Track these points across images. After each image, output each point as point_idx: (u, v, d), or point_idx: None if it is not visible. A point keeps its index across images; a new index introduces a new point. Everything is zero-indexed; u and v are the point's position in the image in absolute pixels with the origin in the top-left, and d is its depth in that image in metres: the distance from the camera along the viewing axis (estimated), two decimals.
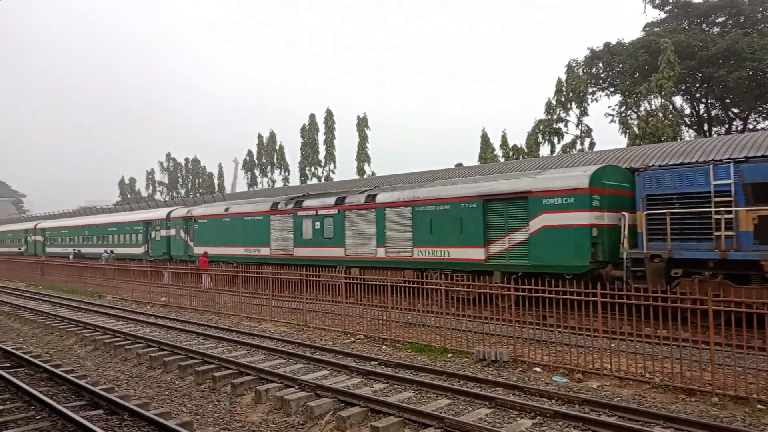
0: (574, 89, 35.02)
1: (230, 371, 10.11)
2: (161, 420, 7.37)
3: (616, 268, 13.51)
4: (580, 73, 36.41)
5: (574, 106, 35.59)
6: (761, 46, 31.17)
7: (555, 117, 35.75)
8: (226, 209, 25.93)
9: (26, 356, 11.69)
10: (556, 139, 35.83)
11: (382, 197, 18.86)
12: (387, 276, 14.91)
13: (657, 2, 39.64)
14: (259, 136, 57.19)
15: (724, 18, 37.69)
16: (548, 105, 35.79)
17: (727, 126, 37.57)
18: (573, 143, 35.56)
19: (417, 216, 17.53)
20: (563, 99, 35.52)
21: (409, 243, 17.75)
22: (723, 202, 12.04)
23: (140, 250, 32.34)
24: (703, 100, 37.89)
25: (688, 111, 38.72)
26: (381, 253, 18.54)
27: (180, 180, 71.01)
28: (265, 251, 23.14)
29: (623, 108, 36.79)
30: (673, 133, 29.42)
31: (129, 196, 74.80)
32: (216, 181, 65.34)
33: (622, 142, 32.50)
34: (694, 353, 8.82)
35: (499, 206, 15.67)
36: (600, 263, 13.75)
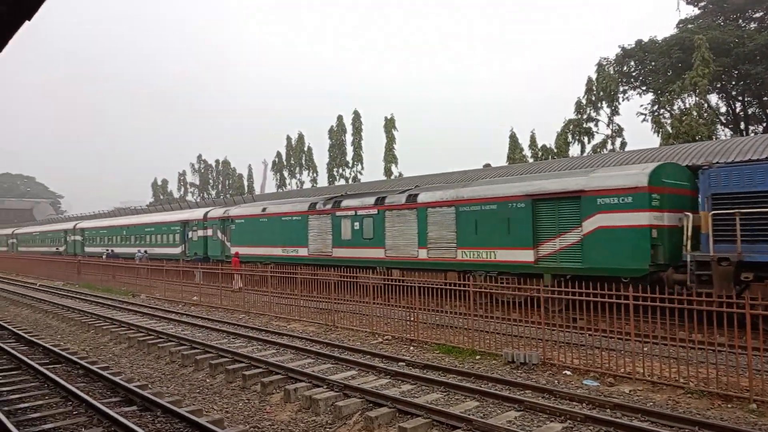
0: (604, 88, 34.45)
1: (260, 370, 10.23)
2: (193, 417, 7.51)
3: (678, 271, 12.84)
4: (611, 72, 35.82)
5: (604, 105, 35.05)
6: None
7: (585, 116, 35.24)
8: (264, 209, 25.89)
9: (64, 353, 12.05)
10: (586, 139, 35.34)
11: (423, 197, 18.54)
12: (429, 278, 14.56)
13: None
14: (288, 138, 57.80)
15: (761, 13, 36.62)
16: (578, 104, 35.31)
17: (765, 124, 36.50)
18: (603, 143, 35.01)
19: (461, 216, 17.05)
20: (593, 98, 35.00)
21: (452, 244, 17.28)
22: None
23: (178, 250, 32.62)
24: (740, 97, 36.91)
25: (723, 109, 37.79)
26: (423, 254, 18.19)
27: (210, 181, 72.20)
28: (303, 252, 22.99)
29: (656, 107, 36.08)
30: (708, 132, 28.69)
31: (161, 197, 76.31)
32: (245, 183, 66.23)
33: (654, 141, 31.90)
34: (730, 358, 8.59)
35: (549, 206, 15.08)
36: (659, 266, 13.09)
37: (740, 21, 37.18)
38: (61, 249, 48.59)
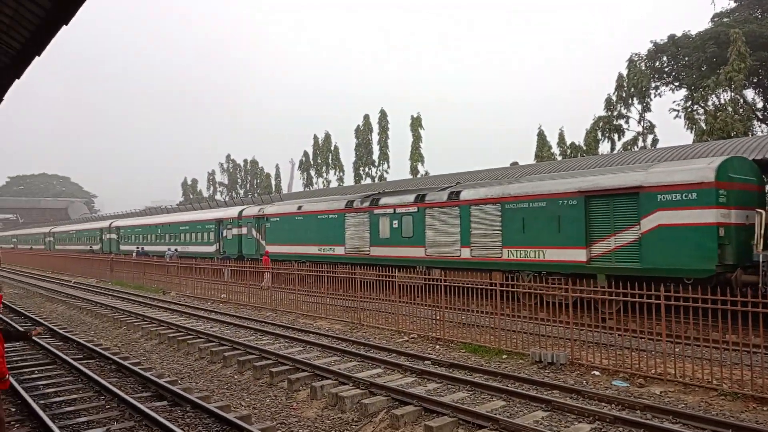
0: (636, 84, 33.78)
1: (287, 367, 10.33)
2: (221, 413, 7.63)
3: (746, 272, 12.18)
4: (643, 68, 35.09)
5: (635, 101, 34.37)
6: None
7: (615, 113, 34.61)
8: (299, 207, 25.62)
9: (97, 348, 12.37)
10: (616, 136, 34.70)
11: (466, 194, 17.98)
12: (472, 278, 14.10)
13: None
14: (315, 137, 58.15)
15: None
16: (608, 101, 34.68)
17: None
18: (635, 140, 34.33)
19: (507, 214, 16.48)
20: (624, 95, 34.34)
21: (497, 243, 16.71)
22: None
23: (212, 249, 32.73)
24: None
25: (760, 105, 36.63)
26: (465, 253, 17.62)
27: (239, 181, 73.13)
28: (339, 250, 22.70)
29: (689, 103, 35.20)
30: (743, 128, 27.90)
31: (191, 196, 77.62)
32: (273, 182, 66.86)
33: (687, 138, 31.12)
34: (766, 360, 8.35)
35: (603, 203, 14.42)
36: (726, 267, 12.37)
37: None
38: (96, 248, 49.61)
